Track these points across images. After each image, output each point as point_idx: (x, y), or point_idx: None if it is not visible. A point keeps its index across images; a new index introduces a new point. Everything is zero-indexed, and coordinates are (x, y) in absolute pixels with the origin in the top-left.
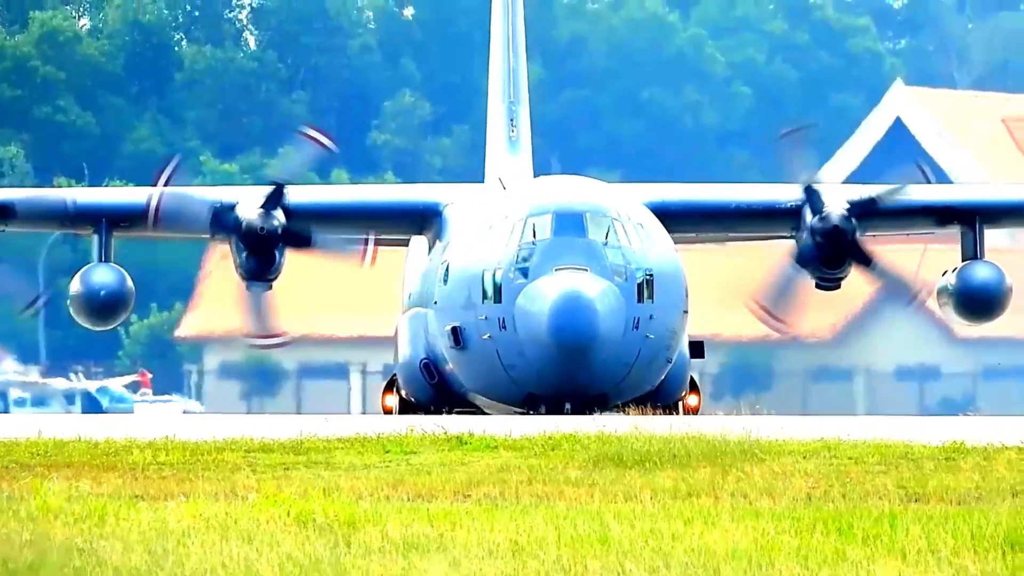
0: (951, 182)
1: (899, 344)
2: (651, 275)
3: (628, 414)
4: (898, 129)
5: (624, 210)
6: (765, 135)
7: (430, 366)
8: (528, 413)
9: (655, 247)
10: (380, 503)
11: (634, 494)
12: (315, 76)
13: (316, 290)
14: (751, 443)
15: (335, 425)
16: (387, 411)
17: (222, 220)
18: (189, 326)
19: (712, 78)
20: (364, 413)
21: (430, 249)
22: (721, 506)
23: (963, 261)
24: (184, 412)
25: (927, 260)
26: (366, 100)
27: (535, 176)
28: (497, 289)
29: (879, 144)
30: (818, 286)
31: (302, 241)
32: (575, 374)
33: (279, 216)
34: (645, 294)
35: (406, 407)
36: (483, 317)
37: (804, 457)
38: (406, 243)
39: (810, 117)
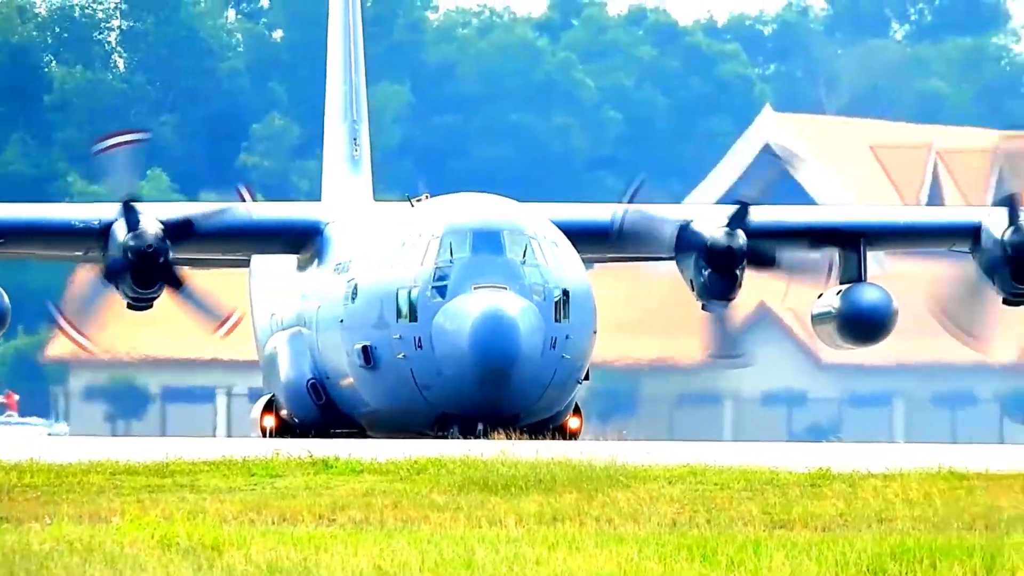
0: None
1: (766, 370)
2: (567, 294)
3: (492, 438)
4: (767, 155)
5: (539, 228)
6: (635, 160)
7: (318, 386)
8: (437, 436)
9: (569, 266)
10: (245, 526)
11: (499, 519)
12: (185, 98)
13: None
14: (617, 468)
15: (201, 448)
16: (264, 432)
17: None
18: (56, 347)
19: (582, 103)
20: (229, 436)
21: (303, 267)
22: (586, 531)
23: (842, 284)
24: (49, 434)
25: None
26: (235, 122)
27: (375, 197)
28: (412, 308)
29: (748, 169)
30: None
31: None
32: (494, 394)
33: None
34: (561, 313)
35: (286, 428)
36: (397, 336)
37: (670, 482)
38: (246, 263)
39: (680, 142)
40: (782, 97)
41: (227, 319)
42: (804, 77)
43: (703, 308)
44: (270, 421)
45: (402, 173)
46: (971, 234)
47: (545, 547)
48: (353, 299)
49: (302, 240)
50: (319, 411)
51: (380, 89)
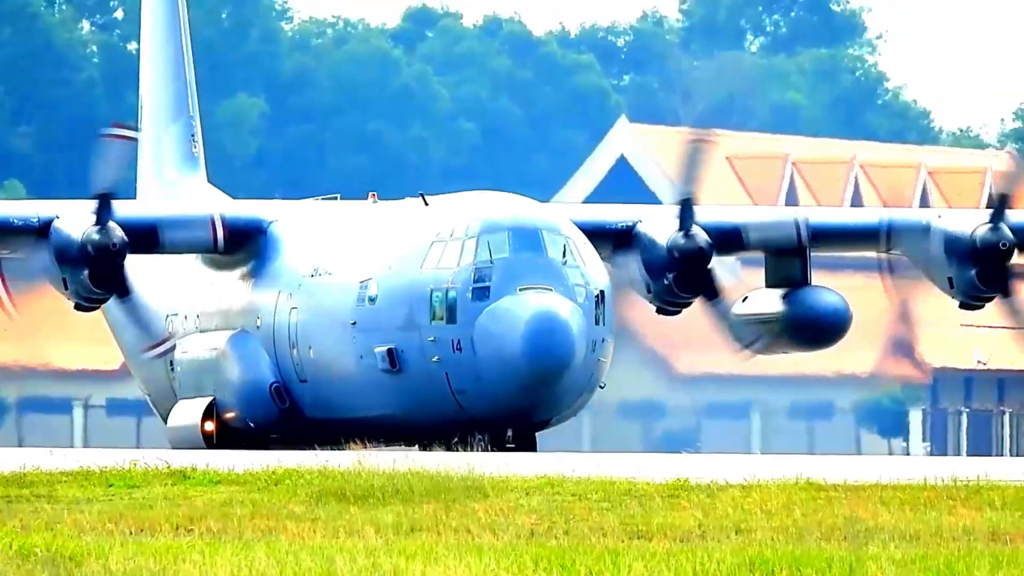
0: None
1: (623, 380)
2: (602, 296)
3: (348, 448)
4: (622, 166)
5: (570, 228)
6: (490, 170)
7: (281, 390)
8: (450, 446)
9: (598, 267)
10: (103, 537)
11: (357, 529)
12: (41, 109)
13: (37, 320)
14: (474, 479)
15: (58, 458)
16: (207, 438)
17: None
18: None
19: (437, 113)
20: (87, 447)
21: (230, 267)
22: (444, 542)
23: (768, 287)
24: None
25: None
26: (92, 132)
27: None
28: (450, 309)
29: (603, 181)
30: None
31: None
32: (539, 398)
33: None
34: (599, 316)
35: (228, 433)
36: (432, 339)
37: (528, 493)
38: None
39: (535, 152)
40: (637, 108)
41: (163, 341)
42: (660, 88)
43: (658, 311)
44: (211, 426)
45: (258, 183)
46: (915, 236)
47: (403, 558)
48: (371, 301)
49: (239, 239)
50: (281, 415)
51: (237, 100)
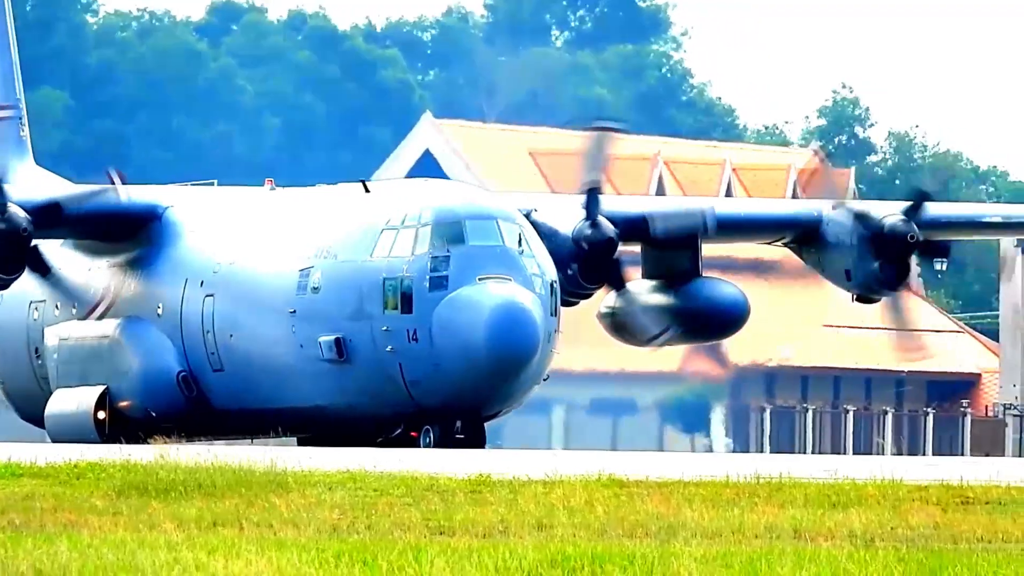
0: None
1: None
2: (554, 287)
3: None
4: (426, 161)
5: (520, 216)
6: (294, 166)
7: (188, 379)
8: (387, 439)
9: (547, 257)
10: None
11: (159, 523)
12: None
13: None
14: (277, 474)
15: None
16: (99, 426)
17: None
18: None
19: (241, 108)
20: None
21: (113, 253)
22: (246, 536)
23: (645, 278)
24: None
25: None
26: None
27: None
28: (406, 299)
29: (408, 176)
30: None
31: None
32: (498, 389)
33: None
34: (552, 306)
35: (121, 422)
36: (385, 328)
37: (330, 488)
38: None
39: (339, 148)
40: (442, 104)
41: (99, 303)
42: (464, 84)
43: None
44: (103, 415)
45: (62, 177)
46: (814, 227)
47: (205, 552)
48: (314, 290)
49: (131, 225)
50: (187, 405)
51: (41, 93)
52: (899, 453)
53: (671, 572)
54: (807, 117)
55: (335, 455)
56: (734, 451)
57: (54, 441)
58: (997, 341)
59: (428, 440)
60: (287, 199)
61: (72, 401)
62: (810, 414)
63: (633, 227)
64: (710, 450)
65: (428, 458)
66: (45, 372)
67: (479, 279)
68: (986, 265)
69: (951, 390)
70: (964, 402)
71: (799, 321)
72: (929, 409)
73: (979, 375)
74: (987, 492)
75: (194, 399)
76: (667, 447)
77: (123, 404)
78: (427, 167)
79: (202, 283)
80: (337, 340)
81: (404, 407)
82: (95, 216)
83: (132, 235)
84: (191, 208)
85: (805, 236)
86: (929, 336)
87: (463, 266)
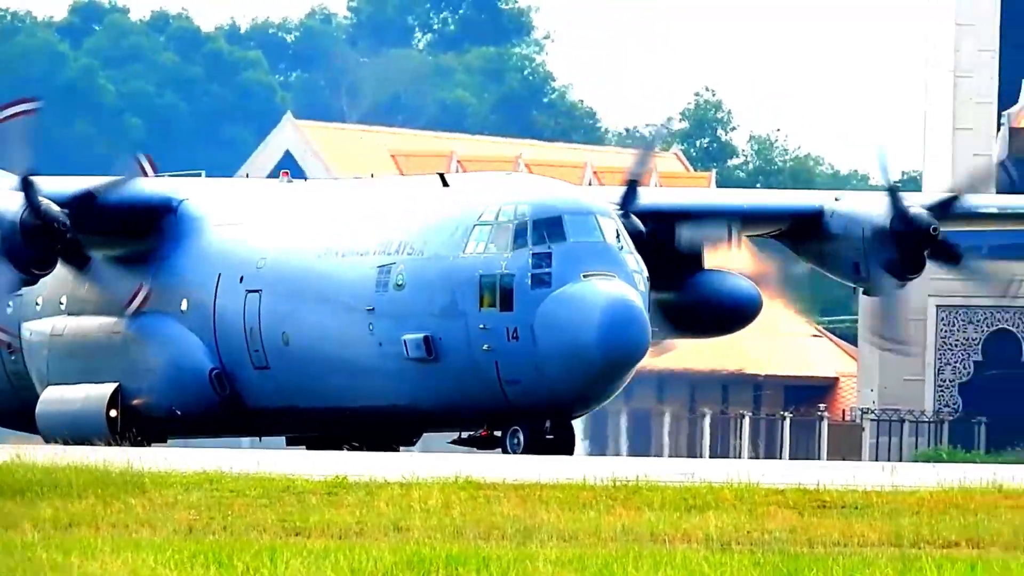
0: None
1: None
2: (649, 282)
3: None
4: (287, 162)
5: (613, 211)
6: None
7: (222, 377)
8: (465, 441)
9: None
10: None
11: (14, 524)
12: None
13: None
14: (134, 474)
15: None
16: (112, 424)
17: None
18: None
19: (103, 109)
20: None
21: (119, 247)
22: (102, 537)
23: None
24: None
25: None
26: None
27: None
28: (505, 296)
29: (268, 178)
30: None
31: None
32: (601, 390)
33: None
34: (648, 303)
35: (140, 420)
36: (482, 327)
37: (187, 489)
38: None
39: (201, 149)
40: (304, 105)
41: (136, 294)
42: (326, 85)
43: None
44: (115, 413)
45: None
46: (814, 219)
47: (60, 553)
48: (398, 287)
49: (147, 218)
50: (220, 403)
51: None
52: (756, 457)
53: (526, 574)
54: (669, 119)
55: (192, 455)
56: (591, 454)
57: (47, 440)
58: (855, 345)
59: (516, 442)
60: (339, 191)
61: (76, 398)
62: (667, 417)
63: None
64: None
65: (285, 459)
66: (19, 368)
67: (584, 276)
68: None
69: (808, 394)
70: (821, 406)
71: None
72: (786, 413)
73: (836, 379)
74: (843, 496)
75: (228, 397)
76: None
77: (139, 402)
78: (287, 169)
79: (242, 278)
80: (426, 338)
81: (495, 407)
82: (126, 207)
83: (147, 228)
84: (211, 201)
85: (802, 228)
86: (786, 340)
87: (566, 263)
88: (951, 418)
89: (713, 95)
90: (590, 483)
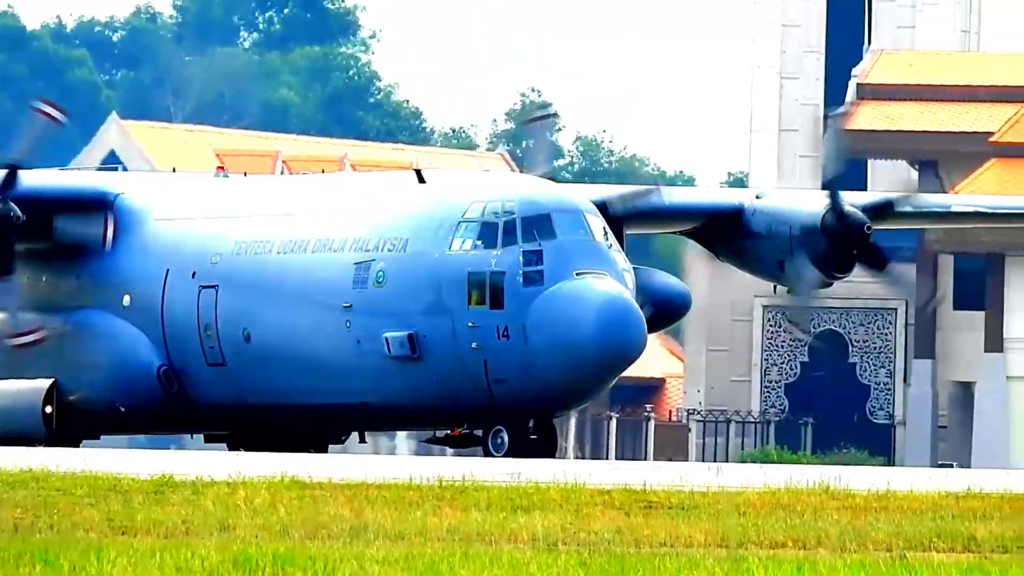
0: None
1: None
2: (635, 281)
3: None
4: (112, 162)
5: (597, 211)
6: None
7: (170, 373)
8: (440, 439)
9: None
10: None
11: None
12: None
13: None
14: None
15: None
16: (47, 420)
17: None
18: None
19: None
20: None
21: (46, 240)
22: None
23: None
24: None
25: None
26: None
27: None
28: (495, 294)
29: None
30: None
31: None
32: (592, 389)
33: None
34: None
35: (78, 417)
36: (470, 325)
37: (12, 487)
38: None
39: None
40: (129, 104)
41: (32, 332)
42: (152, 84)
43: None
44: (50, 409)
45: None
46: (733, 217)
47: None
48: (378, 284)
49: (80, 211)
50: (166, 400)
51: None
52: (582, 457)
53: (354, 573)
54: (495, 120)
55: (17, 454)
56: (417, 454)
57: None
58: (683, 346)
59: (499, 442)
60: (299, 187)
61: (6, 395)
62: None
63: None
64: (394, 453)
65: (111, 458)
66: None
67: (576, 274)
68: (672, 268)
69: (635, 395)
70: (648, 407)
71: None
72: (613, 413)
73: (663, 380)
74: (670, 497)
75: (176, 394)
76: (352, 450)
77: (77, 398)
78: (112, 169)
79: (194, 274)
80: (410, 336)
81: (479, 406)
82: (55, 201)
83: (80, 223)
84: (150, 195)
85: (719, 226)
86: None
87: (557, 260)
88: (777, 419)
89: (539, 96)
90: (416, 483)
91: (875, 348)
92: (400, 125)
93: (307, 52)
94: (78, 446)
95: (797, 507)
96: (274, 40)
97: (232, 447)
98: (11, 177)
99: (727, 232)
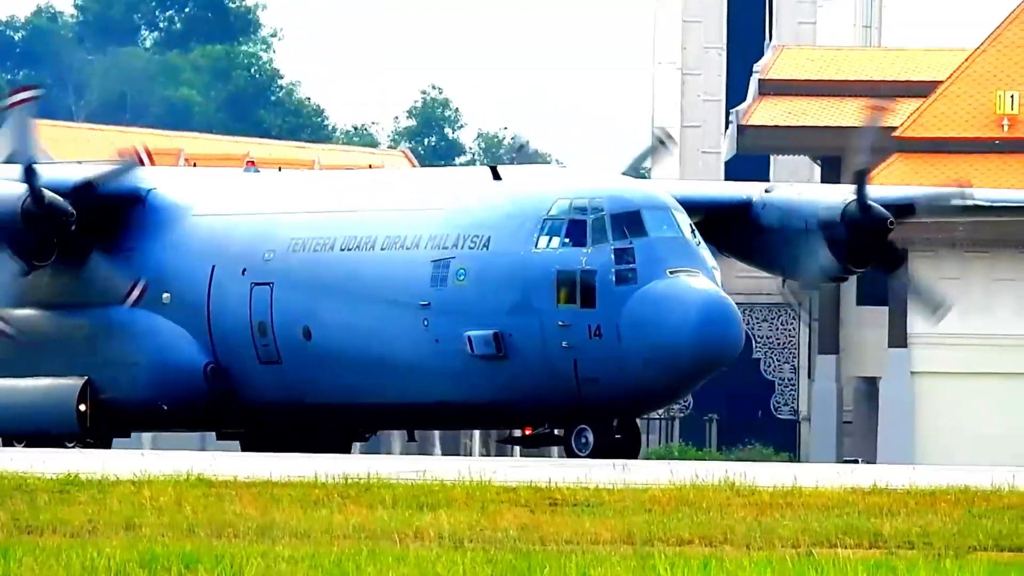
0: None
1: None
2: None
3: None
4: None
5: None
6: None
7: (218, 372)
8: (513, 439)
9: None
10: None
11: None
12: None
13: None
14: None
15: None
16: (82, 419)
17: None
18: None
19: None
20: None
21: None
22: None
23: None
24: None
25: None
26: None
27: None
28: (586, 292)
29: None
30: None
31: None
32: (685, 388)
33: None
34: None
35: (114, 415)
36: (560, 324)
37: None
38: None
39: None
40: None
41: (134, 287)
42: (54, 84)
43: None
44: (84, 407)
45: None
46: (741, 212)
47: None
48: (458, 282)
49: (114, 209)
50: (210, 399)
51: None
52: (487, 454)
53: (260, 571)
54: (396, 118)
55: None
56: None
57: None
58: None
59: (584, 441)
60: (352, 182)
61: (34, 393)
62: None
63: None
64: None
65: (16, 458)
66: None
67: (669, 272)
68: None
69: None
70: None
71: None
72: None
73: None
74: (575, 494)
75: (223, 392)
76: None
77: (114, 396)
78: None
79: (244, 271)
80: (495, 335)
81: (564, 405)
82: (117, 198)
83: (113, 220)
84: (185, 190)
85: (723, 221)
86: None
87: (649, 258)
88: (682, 415)
89: (440, 93)
90: (322, 481)
91: (779, 344)
92: (302, 123)
93: (208, 51)
94: (110, 445)
95: (703, 504)
96: (175, 39)
97: (246, 447)
98: (30, 172)
99: (733, 226)
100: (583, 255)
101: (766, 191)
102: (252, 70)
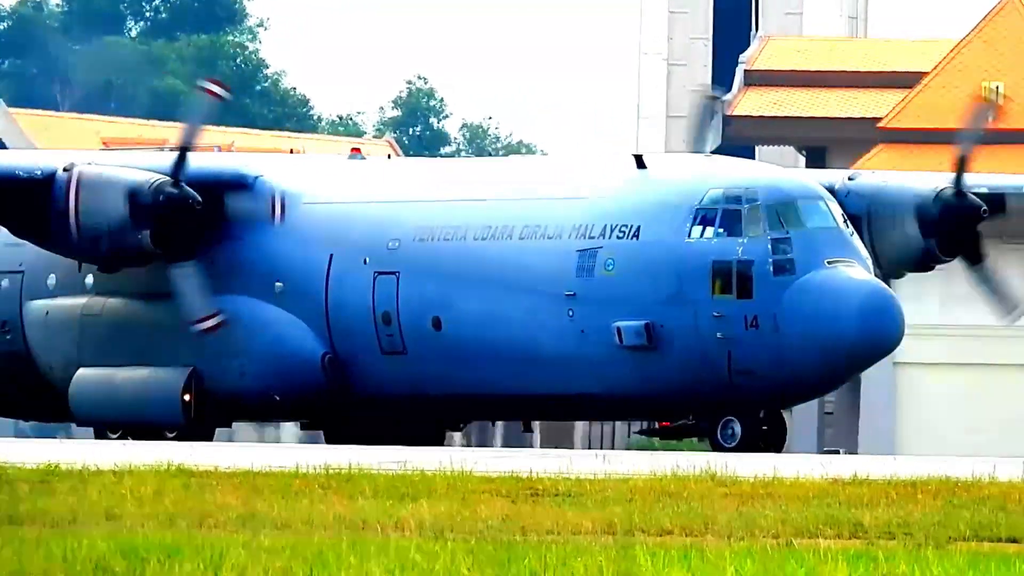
0: None
1: None
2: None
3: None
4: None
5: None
6: None
7: (336, 362)
8: (653, 431)
9: None
10: None
11: None
12: None
13: None
14: None
15: None
16: (187, 408)
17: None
18: None
19: None
20: None
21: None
22: None
23: None
24: None
25: None
26: None
27: None
28: (743, 283)
29: None
30: None
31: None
32: (842, 380)
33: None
34: None
35: (219, 405)
36: (716, 314)
37: None
38: None
39: None
40: (17, 94)
41: (212, 316)
42: (39, 73)
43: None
44: (188, 397)
45: None
46: None
47: None
48: (607, 272)
49: (218, 195)
50: (327, 390)
51: None
52: (467, 445)
53: (241, 562)
54: (382, 108)
55: None
56: (305, 442)
57: (81, 424)
58: None
59: (730, 432)
60: (477, 170)
61: (141, 382)
62: None
63: None
64: (278, 441)
65: None
66: (19, 347)
67: (827, 263)
68: None
69: None
70: None
71: None
72: None
73: None
74: (556, 484)
75: (340, 383)
76: (237, 438)
77: (223, 386)
78: None
79: (366, 260)
80: (647, 325)
81: (714, 397)
82: (225, 185)
83: (230, 206)
84: (292, 177)
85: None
86: None
87: (807, 249)
88: None
89: (425, 83)
90: (303, 471)
91: None
92: (287, 113)
93: (194, 40)
94: (212, 437)
95: (684, 494)
96: (161, 29)
97: (330, 439)
98: (182, 160)
99: None
100: (739, 245)
101: (849, 178)
102: (238, 60)
